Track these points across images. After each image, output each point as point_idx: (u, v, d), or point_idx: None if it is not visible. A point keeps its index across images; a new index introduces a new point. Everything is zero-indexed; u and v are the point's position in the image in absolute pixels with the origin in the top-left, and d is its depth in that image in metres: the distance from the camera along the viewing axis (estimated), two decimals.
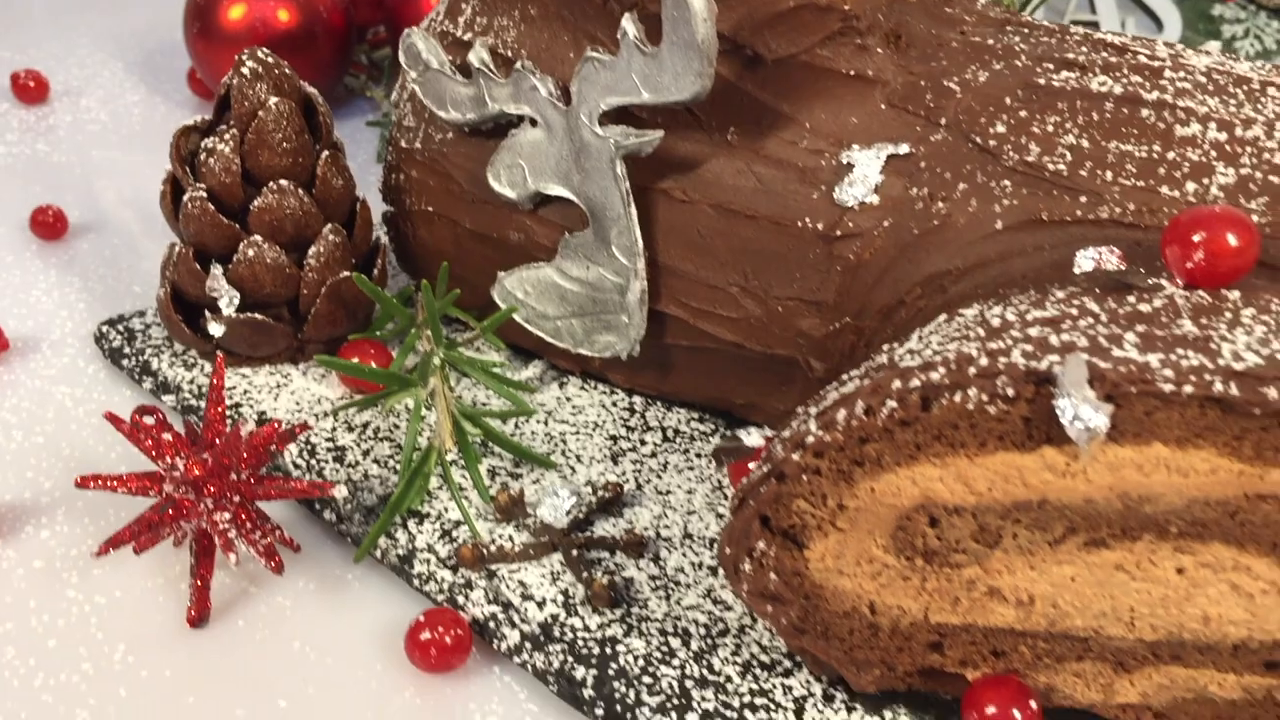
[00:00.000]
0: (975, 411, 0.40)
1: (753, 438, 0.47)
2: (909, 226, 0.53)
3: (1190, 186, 0.49)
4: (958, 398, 0.40)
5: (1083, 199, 0.50)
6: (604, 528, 0.55)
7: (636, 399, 0.64)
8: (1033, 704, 0.44)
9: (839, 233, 0.53)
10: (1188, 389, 0.39)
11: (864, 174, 0.54)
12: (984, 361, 0.41)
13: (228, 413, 0.60)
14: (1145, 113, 0.51)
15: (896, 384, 0.41)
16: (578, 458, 0.59)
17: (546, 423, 0.62)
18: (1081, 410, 0.40)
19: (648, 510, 0.56)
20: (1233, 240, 0.45)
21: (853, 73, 0.55)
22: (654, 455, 0.60)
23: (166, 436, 0.52)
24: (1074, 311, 0.43)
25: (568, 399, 0.63)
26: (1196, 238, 0.45)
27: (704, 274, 0.57)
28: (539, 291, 0.62)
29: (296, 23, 0.91)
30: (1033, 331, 0.42)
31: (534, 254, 0.62)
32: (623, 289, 0.58)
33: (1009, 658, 0.45)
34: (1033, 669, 0.45)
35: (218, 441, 0.52)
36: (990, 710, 0.44)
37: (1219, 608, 0.43)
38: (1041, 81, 0.53)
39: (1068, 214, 0.50)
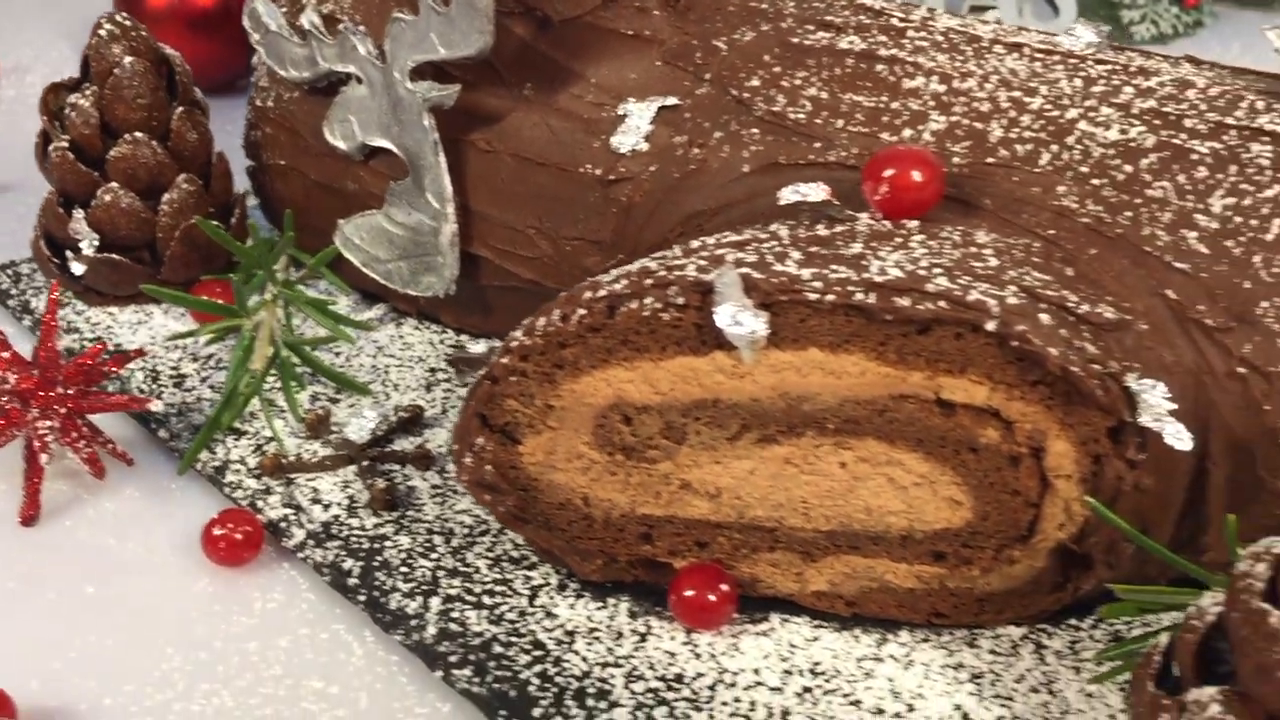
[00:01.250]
0: (652, 318, 0.45)
1: (479, 346, 0.52)
2: (671, 171, 0.58)
3: (906, 133, 0.54)
4: (635, 305, 0.45)
5: (816, 144, 0.55)
6: (403, 445, 0.61)
7: (464, 337, 0.69)
8: (724, 586, 0.49)
9: (612, 177, 0.59)
10: (830, 297, 0.44)
11: (636, 124, 0.59)
12: (661, 273, 0.46)
13: (88, 344, 0.67)
14: (880, 67, 0.56)
15: (587, 294, 0.46)
16: (395, 386, 0.65)
17: (376, 356, 0.67)
18: (740, 317, 0.45)
19: (445, 431, 0.62)
20: (917, 176, 0.50)
21: (631, 33, 0.60)
22: (465, 386, 0.65)
23: (4, 355, 0.58)
24: (764, 237, 0.48)
25: (400, 337, 0.69)
26: (886, 173, 0.50)
27: (506, 217, 0.63)
28: (372, 237, 0.67)
29: (214, 3, 0.97)
30: (718, 252, 0.47)
31: (368, 202, 0.67)
32: (437, 231, 0.64)
33: (711, 548, 0.50)
34: (734, 559, 0.50)
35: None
36: (688, 593, 0.49)
37: (879, 499, 0.48)
38: (796, 40, 0.58)
39: (802, 158, 0.55)
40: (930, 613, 0.50)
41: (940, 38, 0.57)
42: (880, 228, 0.49)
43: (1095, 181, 0.50)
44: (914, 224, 0.49)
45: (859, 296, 0.44)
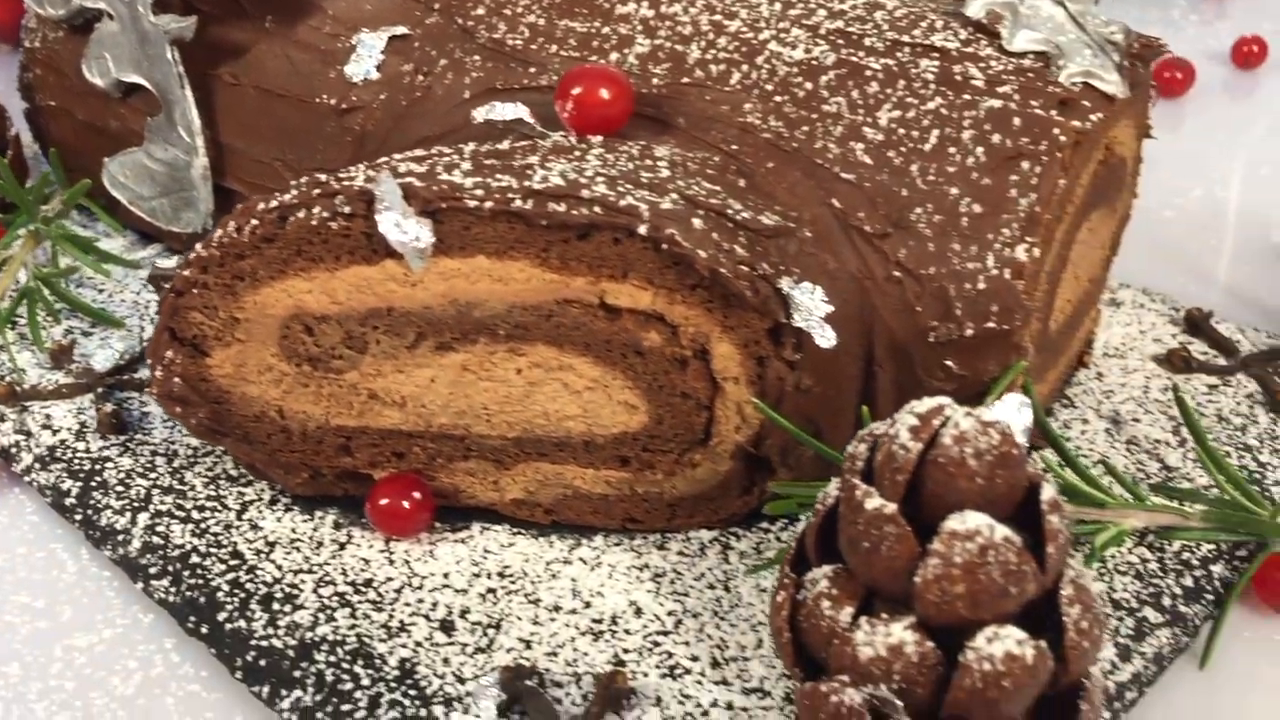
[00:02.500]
0: (320, 227, 0.46)
1: (172, 260, 0.53)
2: (400, 99, 0.59)
3: (614, 57, 0.55)
4: (303, 214, 0.46)
5: (532, 69, 0.56)
6: (147, 374, 0.61)
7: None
8: (417, 494, 0.50)
9: (345, 106, 0.60)
10: (489, 204, 0.45)
11: (368, 53, 0.60)
12: (330, 184, 0.47)
13: None
14: None
15: (260, 205, 0.47)
16: (152, 320, 0.65)
17: (139, 293, 0.68)
18: (404, 224, 0.46)
19: None
20: (604, 94, 0.51)
21: None
22: None
23: None
24: (448, 152, 0.50)
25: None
26: (574, 91, 0.51)
27: (253, 150, 0.63)
28: (135, 174, 0.68)
29: None
30: (400, 166, 0.48)
31: (131, 140, 0.67)
32: (189, 166, 0.65)
33: (408, 458, 0.51)
34: (431, 469, 0.51)
35: None
36: (382, 501, 0.50)
37: (556, 404, 0.49)
38: None
39: (518, 83, 0.56)
40: (624, 518, 0.52)
41: None
42: (563, 143, 0.50)
43: (778, 99, 0.52)
44: (597, 140, 0.50)
45: (517, 203, 0.45)
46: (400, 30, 0.60)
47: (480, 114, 0.52)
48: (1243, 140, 0.90)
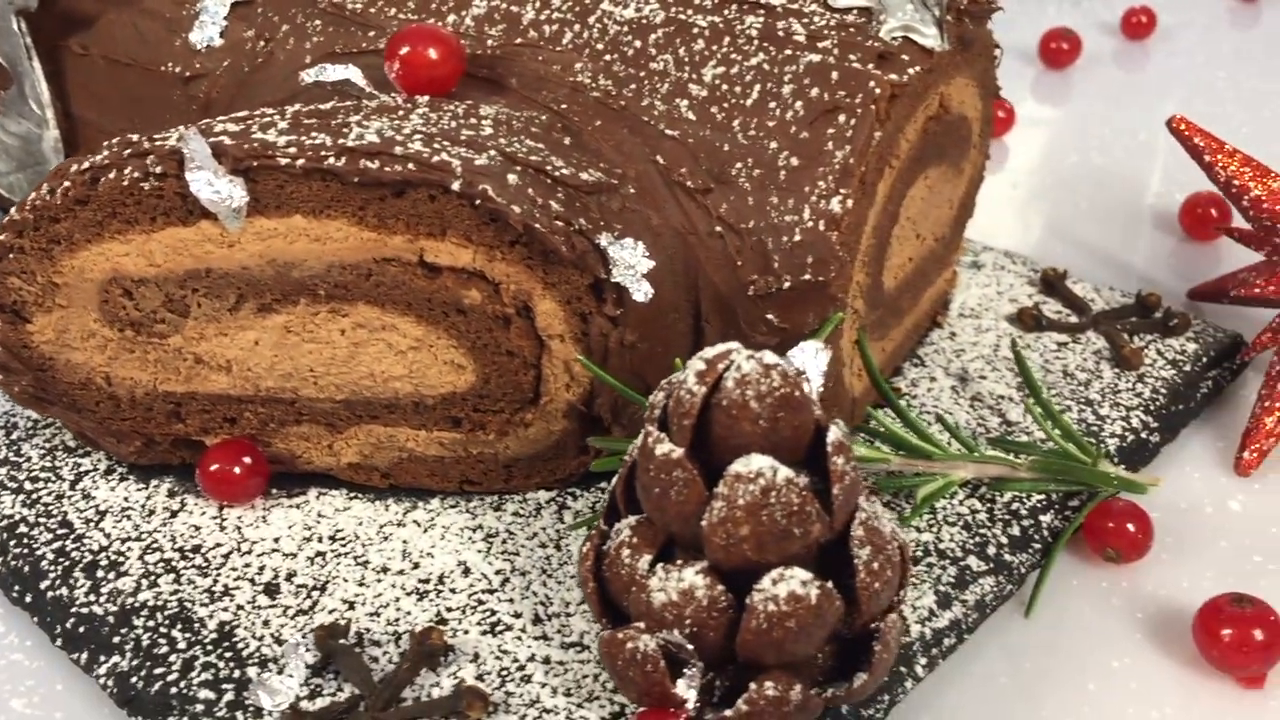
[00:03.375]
0: (133, 187, 0.46)
1: None
2: (242, 65, 0.58)
3: (451, 19, 0.55)
4: (113, 175, 0.46)
5: (371, 33, 0.56)
6: None
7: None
8: (248, 460, 0.50)
9: (189, 74, 0.59)
10: (300, 162, 0.45)
11: (212, 19, 0.59)
12: (142, 144, 0.46)
13: None
14: None
15: (73, 166, 0.47)
16: None
17: None
18: (216, 184, 0.45)
19: None
20: (431, 53, 0.51)
21: None
22: None
23: None
24: (271, 112, 0.49)
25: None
26: (401, 51, 0.51)
27: (104, 122, 0.63)
28: None
29: None
30: (215, 126, 0.48)
31: None
32: (41, 139, 0.64)
33: (240, 424, 0.51)
34: (264, 434, 0.51)
35: None
36: (212, 468, 0.50)
37: (382, 365, 0.49)
38: None
39: (357, 46, 0.56)
40: (461, 480, 0.52)
41: None
42: (389, 103, 0.50)
43: (608, 58, 0.51)
44: (424, 99, 0.50)
45: (330, 160, 0.45)
46: None
47: (309, 76, 0.52)
48: (1126, 108, 0.90)
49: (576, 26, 0.53)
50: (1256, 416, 0.55)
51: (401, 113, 0.49)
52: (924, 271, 0.59)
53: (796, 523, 0.37)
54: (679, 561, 0.39)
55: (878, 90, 0.47)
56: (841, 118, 0.47)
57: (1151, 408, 0.56)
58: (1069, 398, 0.57)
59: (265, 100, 0.57)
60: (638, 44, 0.51)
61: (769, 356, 0.38)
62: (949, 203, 0.59)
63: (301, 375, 0.49)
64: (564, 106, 0.51)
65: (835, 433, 0.38)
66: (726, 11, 0.51)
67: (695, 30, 0.51)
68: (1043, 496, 0.51)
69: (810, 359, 0.41)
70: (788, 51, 0.49)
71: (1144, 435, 0.55)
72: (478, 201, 0.45)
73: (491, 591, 0.47)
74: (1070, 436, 0.51)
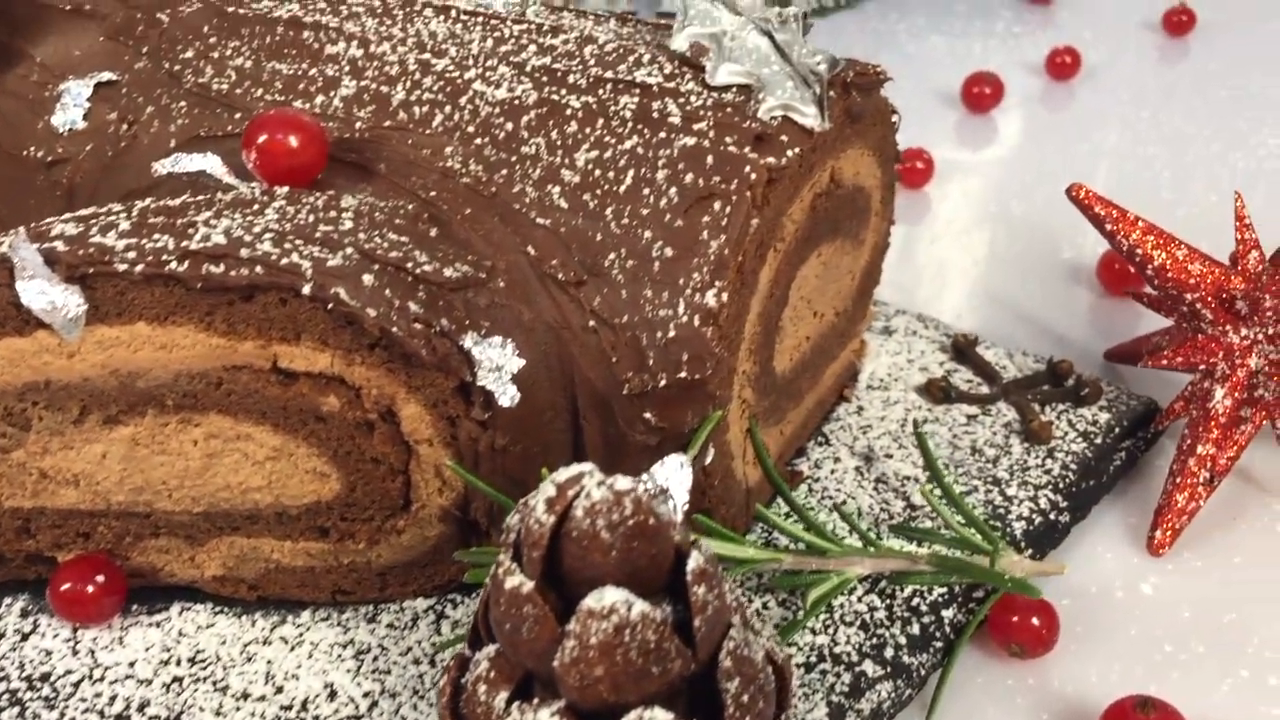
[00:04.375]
0: None
1: None
2: (106, 149, 0.55)
3: (319, 100, 0.52)
4: None
5: (237, 115, 0.53)
6: None
7: None
8: (101, 578, 0.47)
9: (51, 159, 0.56)
10: (140, 268, 0.42)
11: (74, 102, 0.56)
12: None
13: None
14: (306, 34, 0.54)
15: None
16: None
17: None
18: (49, 292, 0.43)
19: None
20: (292, 141, 0.48)
21: (69, 8, 0.58)
22: None
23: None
24: (118, 208, 0.46)
25: None
26: (259, 139, 0.48)
27: None
28: None
29: None
30: (54, 228, 0.45)
31: None
32: None
33: (94, 538, 0.48)
34: (121, 548, 0.48)
35: None
36: (63, 587, 0.47)
37: (239, 476, 0.46)
38: (233, 9, 0.56)
39: (222, 129, 0.53)
40: (334, 590, 0.49)
41: (378, 2, 0.56)
42: (245, 195, 0.47)
43: (479, 141, 0.49)
44: (283, 190, 0.47)
45: (171, 265, 0.42)
46: (107, 76, 0.56)
47: (164, 166, 0.49)
48: (1048, 154, 0.89)
49: (448, 108, 0.50)
50: (1168, 493, 0.53)
51: (257, 207, 0.46)
52: (825, 348, 0.56)
53: (654, 661, 0.35)
54: (536, 700, 0.36)
55: (753, 175, 0.45)
56: (716, 205, 0.45)
57: (1061, 485, 0.54)
58: (976, 477, 0.55)
59: (130, 186, 0.55)
60: (509, 126, 0.49)
61: (621, 482, 0.35)
62: (849, 275, 0.57)
63: (154, 488, 0.47)
64: (433, 194, 0.48)
65: (696, 560, 0.36)
66: (601, 91, 0.49)
67: (569, 111, 0.48)
68: (945, 590, 0.49)
69: (675, 474, 0.39)
70: (662, 134, 0.47)
71: (1053, 516, 0.53)
72: (330, 305, 0.42)
73: (359, 718, 0.44)
74: (973, 523, 0.49)
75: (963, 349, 0.62)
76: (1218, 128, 0.90)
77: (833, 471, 0.55)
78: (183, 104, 0.55)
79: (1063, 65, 0.98)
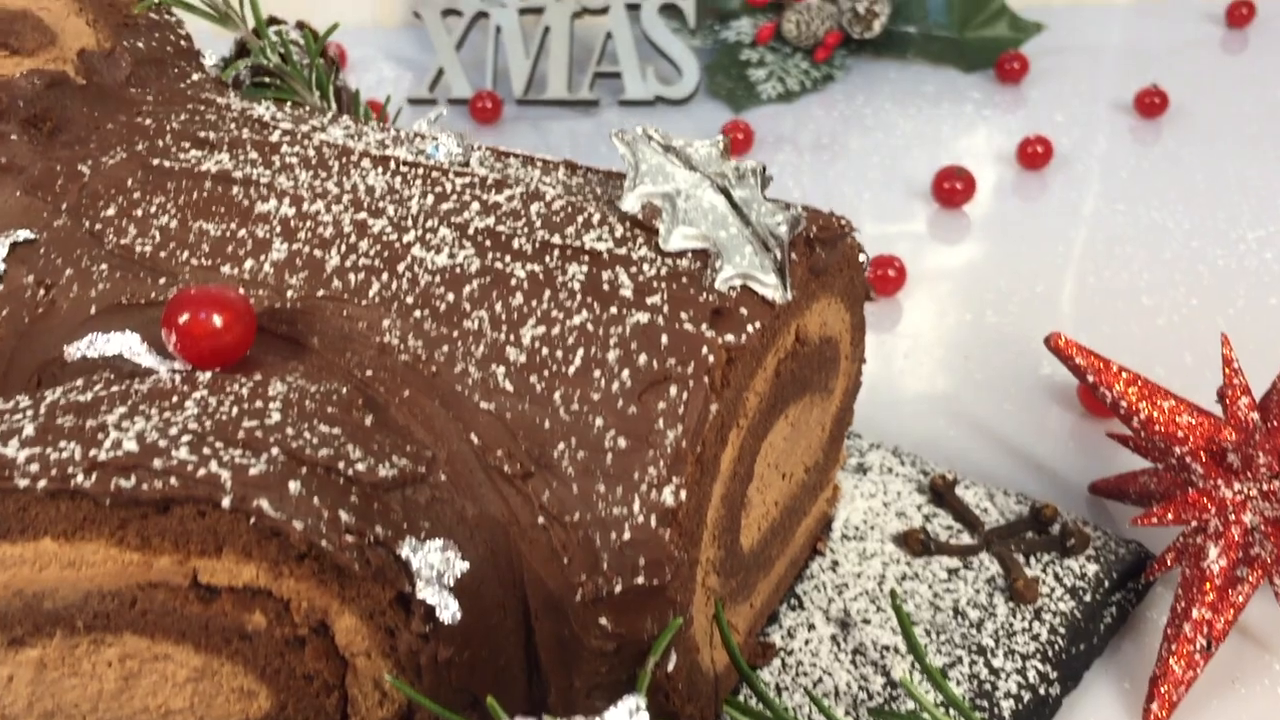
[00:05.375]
0: None
1: None
2: (22, 315, 0.52)
3: (249, 265, 0.49)
4: None
5: (161, 280, 0.50)
6: None
7: None
8: None
9: None
10: (43, 483, 0.39)
11: None
12: None
13: None
14: (235, 190, 0.51)
15: None
16: None
17: None
18: None
19: None
20: (215, 321, 0.45)
21: None
22: None
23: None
24: (25, 404, 0.43)
25: None
26: (180, 319, 0.45)
27: None
28: None
29: None
30: None
31: None
32: None
33: None
34: None
35: None
36: None
37: (159, 698, 0.42)
38: (158, 162, 0.53)
39: (145, 296, 0.50)
40: None
41: (312, 152, 0.53)
42: (162, 386, 0.43)
43: (419, 314, 0.46)
44: (205, 377, 0.44)
45: (78, 479, 0.39)
46: (24, 235, 0.53)
47: (77, 350, 0.46)
48: (1022, 254, 0.86)
49: (385, 276, 0.47)
50: (1163, 660, 0.50)
51: (175, 399, 0.43)
52: (796, 508, 0.53)
53: None
54: None
55: (711, 357, 0.42)
56: (673, 390, 0.42)
57: (1050, 653, 0.51)
58: (960, 645, 0.51)
59: (50, 355, 0.51)
60: (450, 297, 0.46)
61: None
62: (820, 426, 0.54)
63: (67, 712, 0.43)
64: (369, 373, 0.45)
65: None
66: (548, 258, 0.46)
67: (513, 282, 0.45)
68: None
69: (627, 718, 0.35)
70: (613, 309, 0.44)
71: (1043, 690, 0.50)
72: (251, 519, 0.39)
73: None
74: (955, 706, 0.46)
75: (941, 491, 0.59)
76: (1196, 221, 0.88)
77: (807, 642, 0.52)
78: (104, 267, 0.51)
79: (1034, 155, 0.96)
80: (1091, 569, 0.55)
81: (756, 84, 1.14)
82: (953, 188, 0.90)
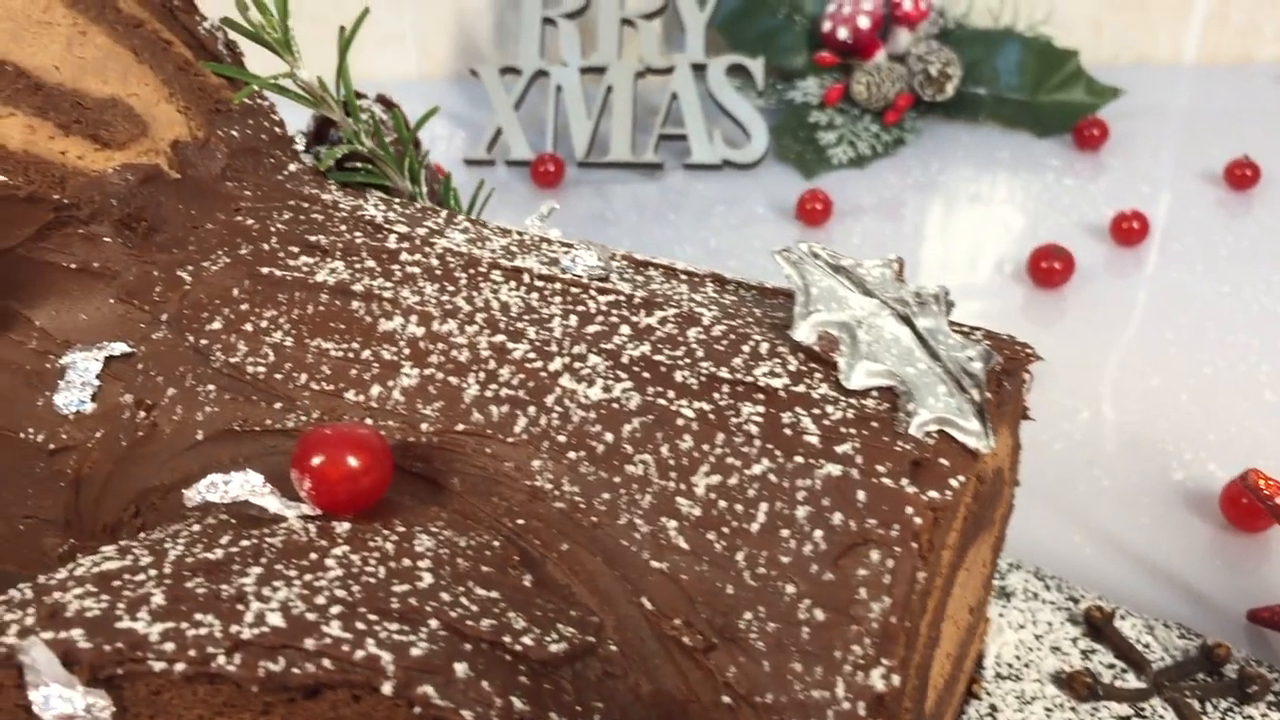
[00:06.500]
0: None
1: None
2: (119, 438, 0.47)
3: (375, 391, 0.45)
4: None
5: (277, 405, 0.45)
6: None
7: None
8: None
9: (54, 446, 0.48)
10: (181, 666, 0.34)
11: (82, 378, 0.48)
12: None
13: None
14: (355, 305, 0.47)
15: None
16: None
17: None
18: (69, 696, 0.34)
19: None
20: (352, 462, 0.40)
21: (75, 266, 0.50)
22: None
23: None
24: (144, 560, 0.38)
25: None
26: (314, 461, 0.40)
27: None
28: None
29: None
30: (71, 593, 0.37)
31: None
32: None
33: None
34: None
35: None
36: None
37: None
38: (268, 270, 0.49)
39: (260, 423, 0.45)
40: None
41: (435, 261, 0.48)
42: (298, 539, 0.39)
43: (573, 454, 0.41)
44: (344, 529, 0.39)
45: (219, 661, 0.34)
46: (120, 349, 0.49)
47: (197, 495, 0.41)
48: (1129, 338, 0.82)
49: (532, 409, 0.43)
50: None
51: (315, 555, 0.38)
52: (960, 655, 0.49)
53: None
54: None
55: (918, 520, 0.37)
56: (874, 555, 0.37)
57: None
58: None
59: (149, 482, 0.47)
60: (609, 437, 0.41)
61: None
62: (983, 563, 0.50)
63: None
64: (520, 522, 0.41)
65: None
66: (717, 395, 0.41)
67: (680, 422, 0.41)
68: None
69: None
70: (799, 458, 0.39)
71: None
72: (416, 709, 0.34)
73: None
74: None
75: (1099, 625, 0.55)
76: None
77: None
78: (211, 387, 0.47)
79: (1130, 231, 0.92)
80: (1275, 717, 0.50)
81: (827, 148, 1.10)
82: (1051, 268, 0.86)
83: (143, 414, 0.47)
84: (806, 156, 1.09)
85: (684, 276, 0.49)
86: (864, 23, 1.12)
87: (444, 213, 0.54)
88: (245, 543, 0.39)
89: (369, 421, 0.44)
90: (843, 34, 1.13)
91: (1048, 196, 1.02)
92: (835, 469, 0.39)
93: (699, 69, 1.10)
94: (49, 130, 0.50)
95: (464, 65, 1.21)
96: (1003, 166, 1.08)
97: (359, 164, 0.61)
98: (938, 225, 0.99)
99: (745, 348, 0.43)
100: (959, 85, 1.14)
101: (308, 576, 0.37)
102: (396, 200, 0.55)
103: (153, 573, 0.38)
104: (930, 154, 1.11)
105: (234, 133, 0.55)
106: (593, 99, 1.11)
